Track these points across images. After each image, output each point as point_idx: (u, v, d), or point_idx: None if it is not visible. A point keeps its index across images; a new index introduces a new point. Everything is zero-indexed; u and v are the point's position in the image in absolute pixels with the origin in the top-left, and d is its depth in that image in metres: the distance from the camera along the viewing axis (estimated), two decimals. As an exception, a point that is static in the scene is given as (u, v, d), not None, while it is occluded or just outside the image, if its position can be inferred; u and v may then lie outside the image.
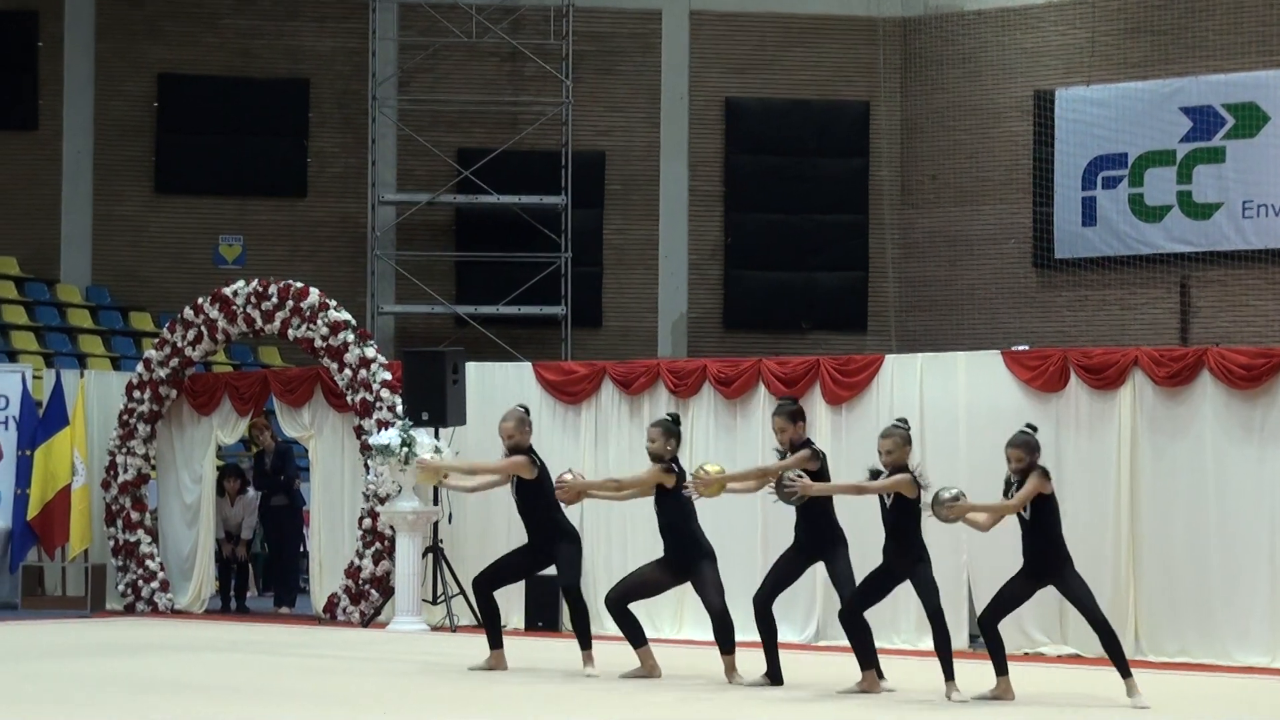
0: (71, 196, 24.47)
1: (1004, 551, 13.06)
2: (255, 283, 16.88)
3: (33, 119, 24.41)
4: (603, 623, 14.85)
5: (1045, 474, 10.55)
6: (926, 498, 10.73)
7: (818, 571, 13.76)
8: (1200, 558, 13.37)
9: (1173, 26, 23.64)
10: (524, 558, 12.29)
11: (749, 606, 11.52)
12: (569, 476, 11.90)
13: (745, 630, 14.20)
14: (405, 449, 15.22)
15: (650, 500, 11.78)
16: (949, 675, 10.74)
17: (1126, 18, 23.94)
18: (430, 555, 15.77)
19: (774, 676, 11.40)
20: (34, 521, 17.23)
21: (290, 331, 16.64)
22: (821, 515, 11.27)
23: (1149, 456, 13.59)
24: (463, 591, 15.66)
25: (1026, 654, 13.47)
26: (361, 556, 16.10)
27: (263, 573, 19.63)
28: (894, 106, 25.07)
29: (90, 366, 21.11)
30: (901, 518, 10.77)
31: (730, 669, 11.51)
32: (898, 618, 13.84)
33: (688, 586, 12.07)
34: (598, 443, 15.63)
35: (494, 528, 15.82)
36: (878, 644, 11.29)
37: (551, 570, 12.41)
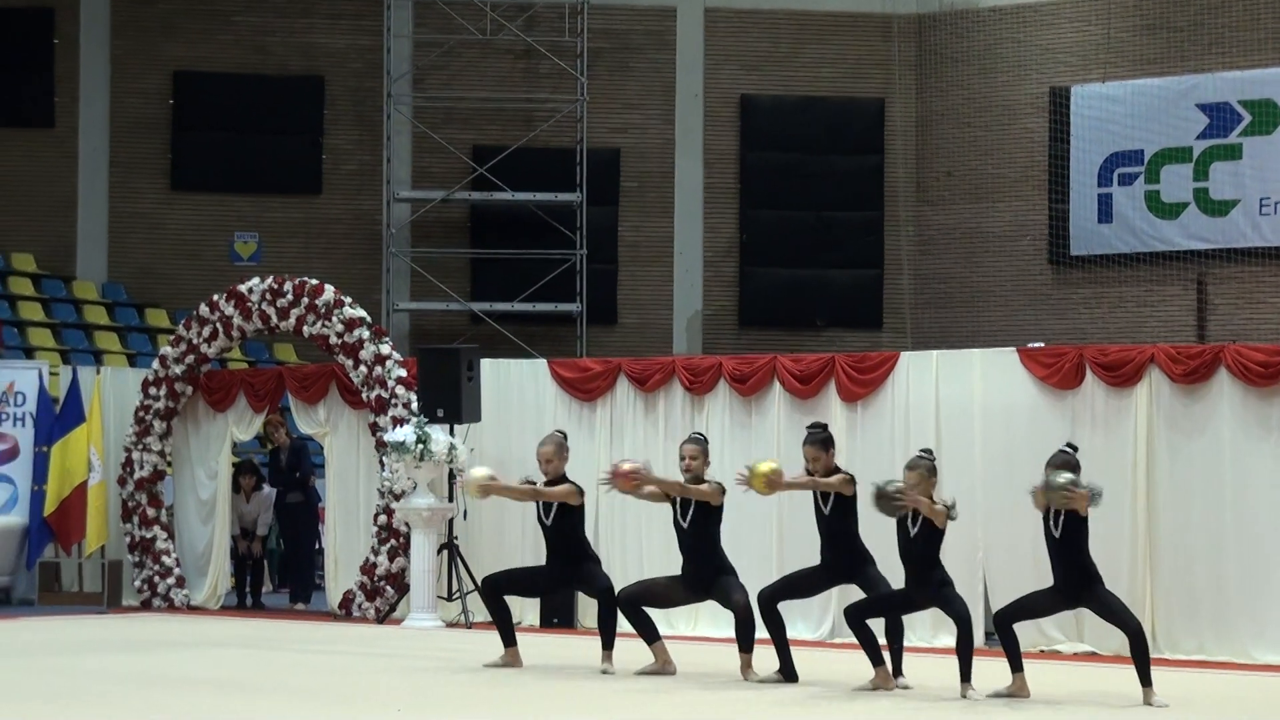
0: (87, 194, 24.50)
1: (1020, 552, 13.08)
2: (270, 280, 16.89)
3: (49, 116, 24.45)
4: (620, 621, 14.86)
5: (1091, 499, 10.46)
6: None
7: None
8: (1217, 555, 13.33)
9: (1189, 23, 23.58)
10: (543, 579, 12.29)
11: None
12: (630, 466, 11.65)
13: (760, 628, 14.18)
14: (420, 446, 15.24)
15: (663, 511, 11.76)
16: (966, 677, 10.73)
17: (1142, 14, 23.88)
18: (445, 552, 15.77)
19: (787, 674, 11.39)
20: (50, 518, 17.27)
21: (305, 328, 16.66)
22: (850, 538, 11.31)
23: (1166, 454, 13.56)
24: (478, 588, 15.65)
25: (1043, 651, 13.45)
26: (377, 553, 16.11)
27: (278, 569, 19.66)
28: (909, 103, 25.04)
29: (106, 363, 21.13)
30: (926, 547, 10.75)
31: (746, 666, 11.50)
32: (913, 615, 13.78)
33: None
34: (613, 440, 15.62)
35: (509, 524, 15.84)
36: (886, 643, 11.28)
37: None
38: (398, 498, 15.82)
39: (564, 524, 11.93)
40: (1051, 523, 10.53)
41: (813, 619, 14.47)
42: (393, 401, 16.09)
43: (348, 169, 24.92)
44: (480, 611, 15.59)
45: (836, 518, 11.27)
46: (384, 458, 15.90)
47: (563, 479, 11.98)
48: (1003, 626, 10.71)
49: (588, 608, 14.22)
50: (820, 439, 11.40)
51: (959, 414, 14.22)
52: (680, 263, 25.10)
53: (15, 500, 17.48)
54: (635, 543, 15.37)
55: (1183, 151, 23.38)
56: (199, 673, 11.87)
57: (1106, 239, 23.79)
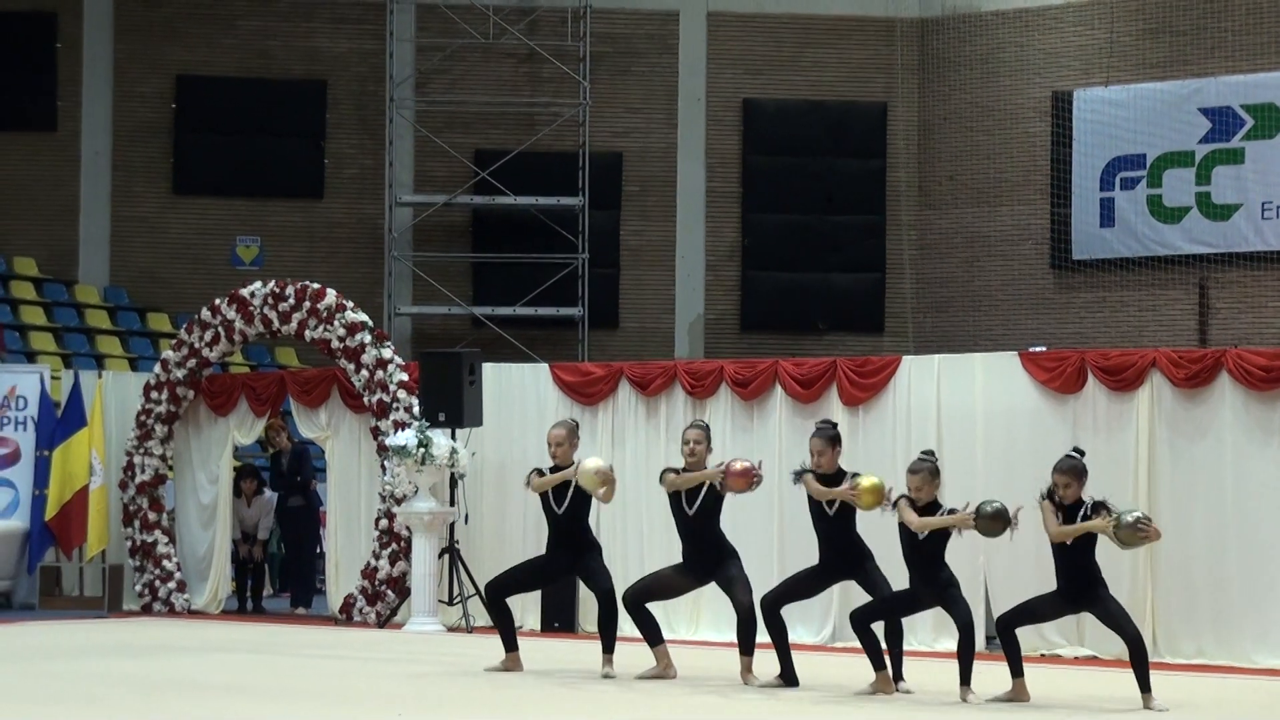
0: (89, 197, 24.52)
1: (1021, 556, 13.07)
2: (272, 284, 16.90)
3: (51, 120, 24.46)
4: (620, 624, 14.85)
5: (1106, 512, 10.42)
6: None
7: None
8: (1219, 560, 13.33)
9: (1191, 27, 23.58)
10: (547, 568, 12.19)
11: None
12: (742, 465, 11.45)
13: (762, 632, 14.17)
14: (422, 450, 15.24)
15: (664, 508, 11.75)
16: (966, 680, 10.72)
17: (1145, 18, 23.88)
18: (446, 556, 15.77)
19: (788, 678, 11.39)
20: (52, 522, 17.26)
21: (307, 332, 16.66)
22: (849, 536, 11.30)
23: (1167, 458, 13.55)
24: (479, 592, 15.66)
25: (1043, 655, 13.45)
26: (378, 557, 16.10)
27: (279, 573, 19.65)
28: (911, 107, 25.04)
29: (108, 367, 21.15)
30: (934, 547, 10.73)
31: (747, 669, 11.50)
32: (914, 620, 13.77)
33: (704, 588, 12.04)
34: (614, 444, 15.61)
35: (510, 528, 15.84)
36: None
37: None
38: (399, 502, 15.82)
39: (578, 512, 11.89)
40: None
41: (813, 623, 14.47)
42: (394, 405, 16.08)
43: (350, 173, 24.92)
44: (481, 615, 15.59)
45: (839, 517, 11.25)
46: (385, 462, 15.90)
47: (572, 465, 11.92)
48: (1005, 631, 10.70)
49: (589, 611, 14.20)
50: (829, 435, 11.38)
51: (960, 418, 14.21)
52: (682, 267, 25.11)
53: (16, 504, 17.48)
54: (636, 540, 15.35)
55: (1185, 155, 23.37)
56: (200, 677, 11.86)
57: (1108, 243, 23.78)
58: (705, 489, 11.53)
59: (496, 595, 12.19)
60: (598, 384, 15.75)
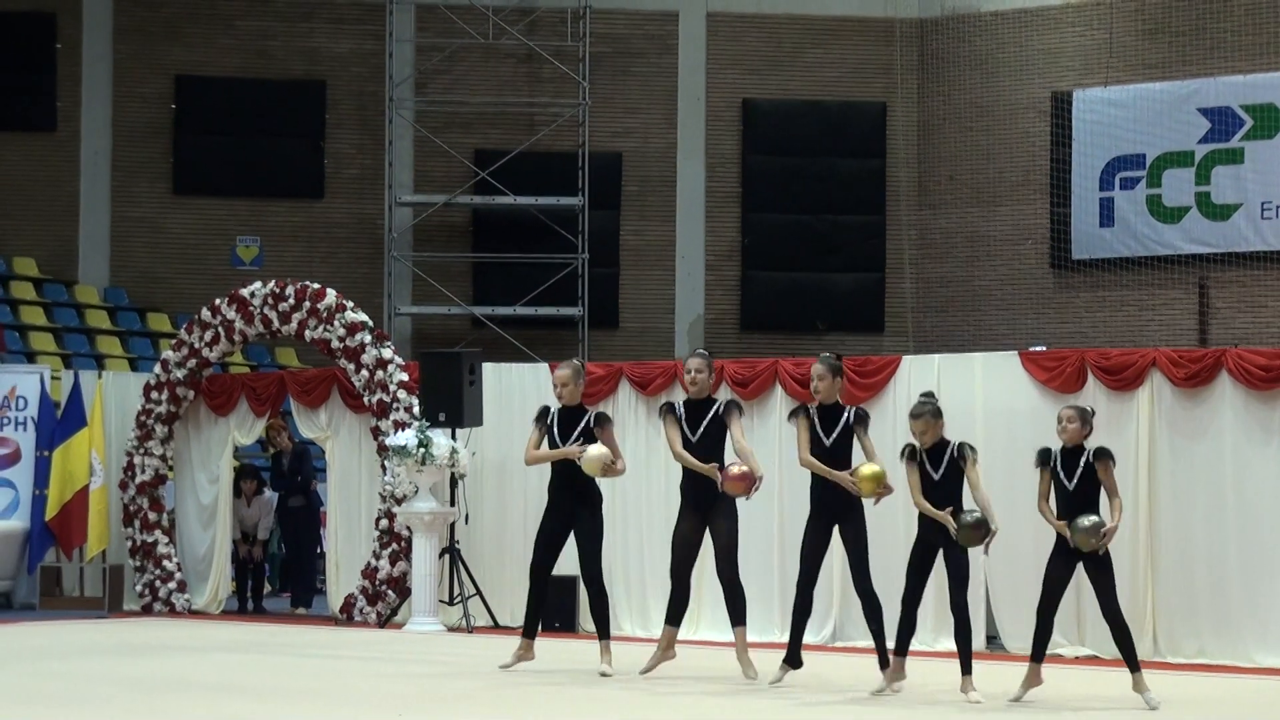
0: (89, 198, 24.52)
1: (1021, 554, 13.07)
2: (272, 284, 16.90)
3: (51, 120, 24.47)
4: (620, 624, 14.86)
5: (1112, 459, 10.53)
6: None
7: (835, 572, 13.79)
8: (1219, 559, 13.33)
9: (1191, 27, 23.59)
10: (551, 524, 11.92)
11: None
12: (739, 470, 11.40)
13: (763, 632, 14.25)
14: (422, 450, 15.24)
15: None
16: (966, 670, 10.73)
17: (1144, 18, 23.89)
18: (447, 556, 15.77)
19: (793, 660, 11.34)
20: (52, 522, 17.27)
21: (307, 333, 16.66)
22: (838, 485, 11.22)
23: (1167, 458, 13.56)
24: (479, 592, 15.67)
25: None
26: (378, 557, 16.11)
27: (279, 573, 19.66)
28: (911, 107, 25.04)
29: (108, 367, 21.16)
30: (953, 487, 10.75)
31: (742, 643, 11.49)
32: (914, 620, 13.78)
33: (701, 590, 12.04)
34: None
35: (510, 528, 15.84)
36: (893, 644, 11.26)
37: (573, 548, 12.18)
38: (399, 502, 15.82)
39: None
40: (1065, 476, 10.49)
41: (814, 623, 14.42)
42: (394, 406, 16.09)
43: (350, 173, 24.93)
44: (482, 615, 15.61)
45: (838, 451, 11.17)
46: (385, 462, 15.90)
47: (579, 408, 11.90)
48: (1043, 618, 10.66)
49: (589, 612, 14.19)
50: (831, 363, 11.30)
51: (960, 417, 14.15)
52: (682, 267, 25.11)
53: (17, 505, 17.48)
54: (636, 539, 15.34)
55: (1184, 155, 23.38)
56: (201, 677, 11.87)
57: (1108, 243, 23.79)
58: (709, 419, 11.52)
59: (541, 576, 11.99)
60: (598, 384, 15.75)
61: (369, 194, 24.71)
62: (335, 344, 16.48)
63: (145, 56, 24.67)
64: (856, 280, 25.03)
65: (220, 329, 17.02)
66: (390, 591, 16.06)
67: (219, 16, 24.80)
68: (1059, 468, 10.59)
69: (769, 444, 14.79)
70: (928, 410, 10.81)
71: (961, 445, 10.80)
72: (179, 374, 17.15)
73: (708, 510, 11.61)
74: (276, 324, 16.79)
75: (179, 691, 11.06)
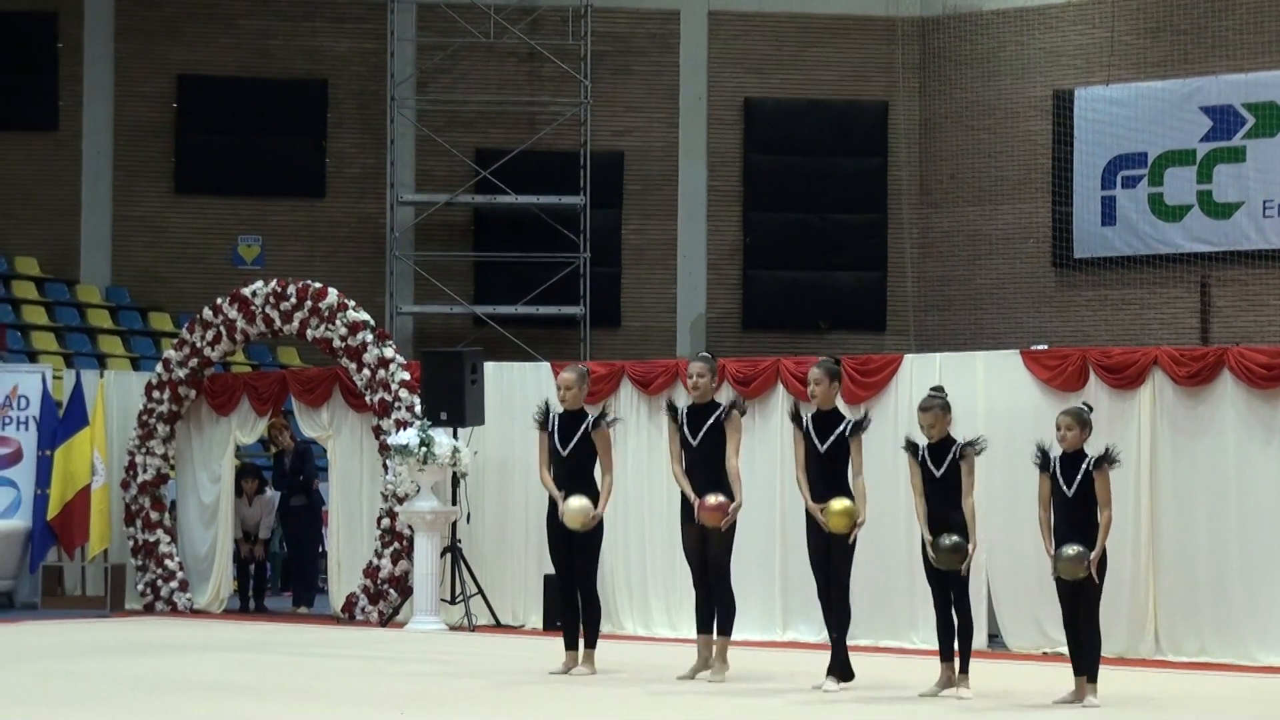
0: (91, 197, 24.52)
1: (1023, 554, 13.07)
2: (274, 283, 16.90)
3: (52, 120, 24.47)
4: (621, 623, 14.86)
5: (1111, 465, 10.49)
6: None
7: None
8: (1221, 557, 13.32)
9: (1192, 26, 23.58)
10: (555, 538, 11.95)
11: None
12: (716, 501, 11.41)
13: (764, 631, 14.24)
14: (424, 449, 15.25)
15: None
16: (964, 669, 10.72)
17: (1146, 17, 23.88)
18: (448, 555, 15.77)
19: (839, 670, 11.22)
20: (54, 521, 17.27)
21: (309, 332, 16.66)
22: (841, 479, 11.19)
23: (1169, 456, 13.55)
24: (481, 591, 15.68)
25: (1045, 654, 13.45)
26: (380, 556, 16.11)
27: (281, 572, 19.66)
28: (913, 106, 25.04)
29: (110, 367, 21.16)
30: (953, 480, 10.74)
31: (722, 650, 11.51)
32: (915, 616, 13.80)
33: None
34: (616, 442, 15.56)
35: (512, 528, 15.85)
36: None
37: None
38: (401, 501, 15.82)
39: (581, 453, 11.84)
40: (1064, 482, 10.45)
41: (816, 622, 14.44)
42: (396, 405, 16.09)
43: (351, 172, 24.93)
44: (483, 615, 15.62)
45: (832, 458, 11.16)
46: (387, 461, 15.91)
47: (580, 412, 11.91)
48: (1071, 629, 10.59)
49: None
50: (829, 367, 11.32)
51: (962, 416, 14.09)
52: (684, 266, 25.11)
53: (18, 504, 17.49)
54: (637, 539, 15.33)
55: (1186, 154, 23.38)
56: (202, 676, 11.87)
57: (1110, 241, 23.79)
58: (710, 424, 11.52)
59: (570, 589, 12.01)
60: (599, 383, 15.73)
61: (370, 193, 24.72)
62: (337, 343, 16.48)
63: (147, 56, 24.67)
64: (858, 279, 25.02)
65: (222, 328, 17.03)
66: (392, 590, 16.06)
67: (220, 16, 24.80)
68: (1058, 473, 10.53)
69: (770, 443, 14.79)
70: (937, 404, 10.80)
71: (964, 447, 10.78)
72: (181, 373, 17.16)
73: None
74: (278, 323, 16.79)
75: (181, 690, 11.07)
